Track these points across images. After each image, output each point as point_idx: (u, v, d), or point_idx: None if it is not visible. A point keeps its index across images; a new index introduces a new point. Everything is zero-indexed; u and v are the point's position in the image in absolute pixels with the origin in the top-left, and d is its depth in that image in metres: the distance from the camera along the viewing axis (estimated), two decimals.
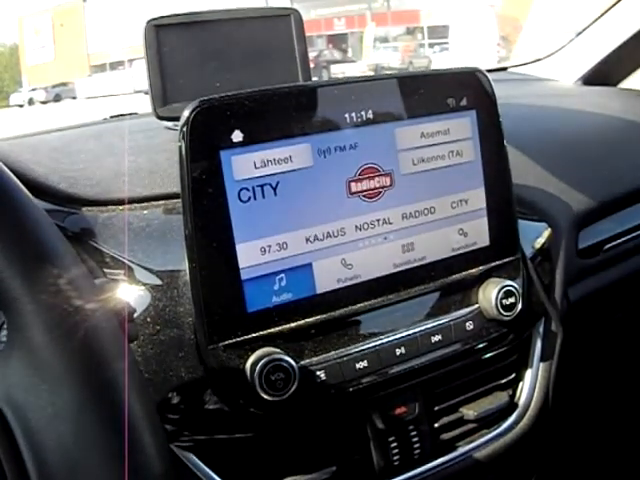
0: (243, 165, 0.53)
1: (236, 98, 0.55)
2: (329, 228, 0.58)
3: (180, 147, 0.52)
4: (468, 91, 0.65)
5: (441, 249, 0.65)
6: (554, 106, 1.22)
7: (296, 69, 0.85)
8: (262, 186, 0.54)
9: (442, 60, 30.95)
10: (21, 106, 47.59)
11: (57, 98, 44.56)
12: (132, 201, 0.66)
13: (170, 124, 0.86)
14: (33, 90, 48.15)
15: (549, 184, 0.88)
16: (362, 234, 0.59)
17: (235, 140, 0.53)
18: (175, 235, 0.62)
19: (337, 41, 38.23)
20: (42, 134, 1.28)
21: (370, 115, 0.59)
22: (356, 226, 0.59)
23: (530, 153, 0.92)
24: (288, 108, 0.56)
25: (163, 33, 0.84)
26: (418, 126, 0.62)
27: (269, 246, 0.55)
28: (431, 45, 36.12)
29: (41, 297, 0.36)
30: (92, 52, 51.91)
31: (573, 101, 1.28)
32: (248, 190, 0.54)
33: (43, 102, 44.46)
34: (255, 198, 0.54)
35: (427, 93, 0.63)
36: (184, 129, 0.52)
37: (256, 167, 0.54)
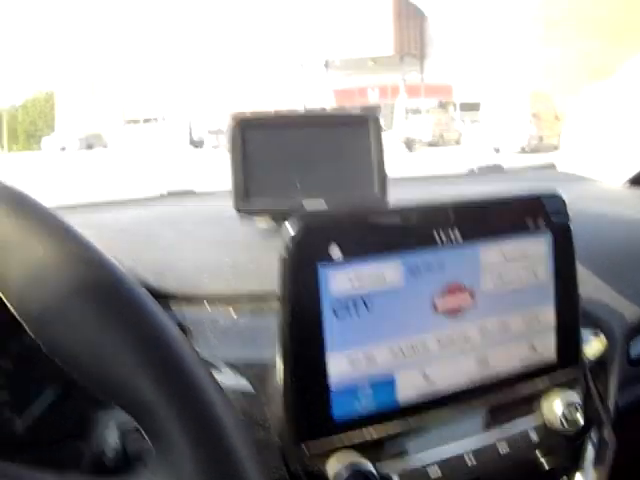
0: (339, 280, 0.56)
1: (336, 215, 0.58)
2: (413, 342, 0.60)
3: (282, 260, 0.55)
4: (545, 213, 0.68)
5: (511, 362, 0.67)
6: (604, 210, 1.24)
7: (372, 175, 0.88)
8: (355, 301, 0.57)
9: (472, 135, 31.20)
10: (53, 151, 48.50)
11: (89, 146, 45.40)
12: (218, 298, 0.69)
13: (266, 226, 0.89)
14: (66, 137, 49.08)
15: (602, 292, 0.90)
16: (442, 348, 0.62)
17: (333, 256, 0.56)
18: (263, 338, 0.64)
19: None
20: (101, 205, 1.32)
21: (458, 235, 0.62)
22: (438, 340, 0.62)
23: (583, 261, 0.94)
24: (383, 227, 0.59)
25: (248, 130, 0.87)
26: (500, 246, 0.65)
27: (357, 358, 0.58)
28: (462, 119, 36.49)
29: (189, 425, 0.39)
30: (127, 105, 52.91)
31: (624, 205, 1.31)
32: (342, 304, 0.56)
33: (75, 149, 45.30)
34: (348, 312, 0.57)
35: (509, 215, 0.66)
36: (287, 243, 0.55)
37: (351, 283, 0.57)
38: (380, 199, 0.88)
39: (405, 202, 0.63)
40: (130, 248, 0.80)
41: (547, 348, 0.70)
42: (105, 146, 45.20)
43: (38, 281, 0.41)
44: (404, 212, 0.61)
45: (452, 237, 0.61)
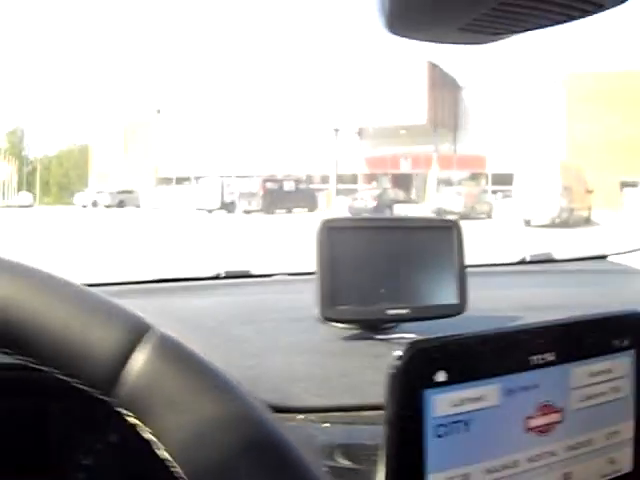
0: (442, 403, 0.58)
1: (444, 342, 0.61)
2: (505, 461, 0.62)
3: (389, 386, 0.57)
4: (630, 332, 0.70)
5: (593, 476, 0.69)
6: None
7: (454, 283, 0.91)
8: (456, 422, 0.59)
9: (504, 207, 31.22)
10: (85, 207, 49.25)
11: (121, 204, 46.20)
12: (312, 410, 0.71)
13: (349, 333, 0.90)
14: (98, 193, 49.98)
15: None
16: (532, 465, 0.64)
17: (438, 380, 0.58)
18: (359, 453, 0.66)
19: (402, 180, 39.32)
20: (160, 289, 1.35)
21: (551, 357, 0.64)
22: (528, 458, 0.63)
23: None
24: (485, 351, 0.61)
25: (336, 234, 0.91)
26: (589, 366, 0.67)
27: (454, 477, 0.59)
28: (494, 192, 36.59)
29: None
30: (160, 163, 53.67)
31: None
32: (444, 426, 0.58)
33: (107, 206, 46.11)
34: (449, 433, 0.59)
35: (598, 335, 0.69)
36: (395, 370, 0.57)
37: (453, 405, 0.59)
38: (460, 308, 0.89)
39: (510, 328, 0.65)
40: (220, 352, 0.82)
41: (625, 461, 0.71)
42: (138, 205, 45.70)
43: (205, 440, 0.43)
44: (506, 337, 0.64)
45: (546, 359, 0.64)
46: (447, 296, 0.89)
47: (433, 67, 35.62)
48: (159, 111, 56.94)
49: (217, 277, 1.47)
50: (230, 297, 1.27)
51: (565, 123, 33.94)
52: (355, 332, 0.89)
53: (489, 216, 33.09)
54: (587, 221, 29.20)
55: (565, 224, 25.45)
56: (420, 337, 0.60)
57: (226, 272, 1.44)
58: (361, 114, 37.60)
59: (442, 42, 0.65)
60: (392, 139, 40.19)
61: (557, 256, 1.87)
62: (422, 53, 40.44)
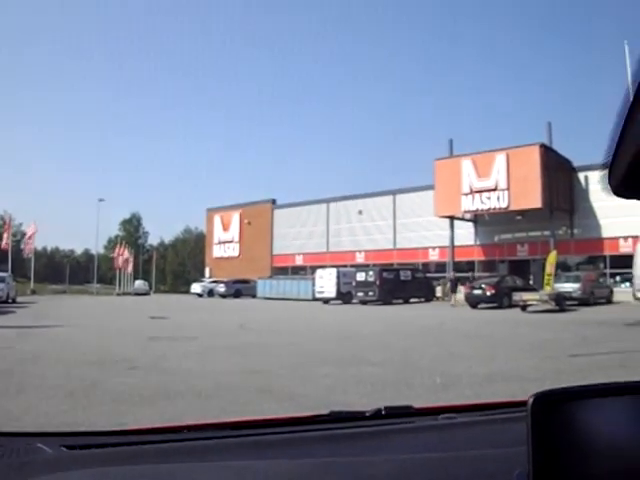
0: None
1: None
2: None
3: None
4: None
5: None
6: None
7: None
8: None
9: (623, 292, 30.35)
10: (200, 295, 50.27)
11: (237, 294, 46.82)
12: None
13: None
14: (214, 282, 50.87)
15: None
16: None
17: None
18: None
19: (519, 267, 39.44)
20: None
21: None
22: None
23: None
24: None
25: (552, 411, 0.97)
26: None
27: None
28: (613, 275, 35.73)
29: None
30: (276, 253, 54.53)
31: None
32: None
33: (222, 295, 46.85)
34: None
35: None
36: None
37: None
38: None
39: None
40: None
41: None
42: (254, 295, 46.25)
43: None
44: None
45: None
46: None
47: (546, 150, 35.19)
48: (274, 201, 58.25)
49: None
50: None
51: None
52: None
53: (609, 300, 32.23)
54: None
55: None
56: None
57: (331, 411, 1.79)
58: (475, 201, 37.46)
59: None
60: (508, 225, 40.27)
61: None
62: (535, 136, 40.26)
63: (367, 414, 1.70)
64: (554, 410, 0.95)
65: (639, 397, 1.01)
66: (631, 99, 0.70)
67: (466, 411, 1.72)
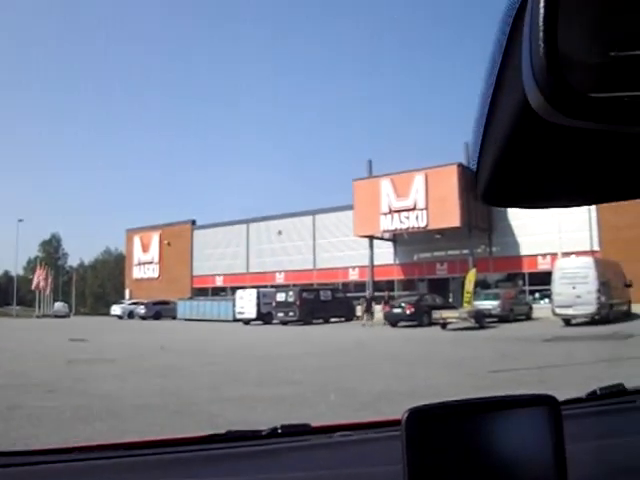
0: None
1: None
2: None
3: None
4: None
5: None
6: None
7: (550, 470, 1.02)
8: None
9: (542, 308, 31.07)
10: (120, 317, 49.75)
11: (157, 315, 46.44)
12: None
13: None
14: (134, 303, 50.40)
15: None
16: None
17: None
18: None
19: (439, 285, 39.94)
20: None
21: None
22: None
23: None
24: None
25: (425, 423, 0.97)
26: None
27: None
28: (532, 292, 36.47)
29: None
30: (196, 274, 54.09)
31: None
32: None
33: (143, 317, 46.44)
34: None
35: None
36: None
37: None
38: None
39: None
40: None
41: None
42: (174, 317, 45.88)
43: None
44: None
45: None
46: None
47: (464, 169, 35.51)
48: (194, 222, 57.86)
49: (273, 432, 1.73)
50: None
51: (597, 215, 33.71)
52: None
53: (528, 317, 32.90)
54: (627, 315, 28.96)
55: (605, 320, 25.31)
56: None
57: (281, 425, 1.73)
58: (395, 221, 37.84)
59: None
60: (427, 244, 40.70)
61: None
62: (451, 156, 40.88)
63: (263, 433, 1.69)
64: (428, 425, 0.95)
65: (514, 411, 1.02)
66: (489, 101, 0.67)
67: (363, 428, 1.73)
